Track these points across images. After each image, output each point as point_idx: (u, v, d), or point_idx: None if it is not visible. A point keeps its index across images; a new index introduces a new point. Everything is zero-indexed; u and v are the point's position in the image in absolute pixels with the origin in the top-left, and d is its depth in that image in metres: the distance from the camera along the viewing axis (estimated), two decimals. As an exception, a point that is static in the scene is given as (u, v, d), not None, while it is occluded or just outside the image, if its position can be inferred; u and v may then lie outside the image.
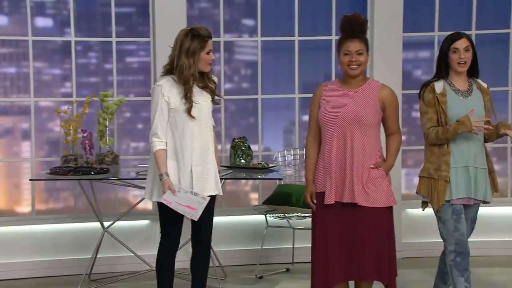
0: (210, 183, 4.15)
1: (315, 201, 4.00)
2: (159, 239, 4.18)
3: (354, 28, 3.90)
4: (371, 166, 3.90)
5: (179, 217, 4.12)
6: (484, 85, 4.23)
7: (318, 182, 3.98)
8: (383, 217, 3.90)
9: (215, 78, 4.23)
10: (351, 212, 3.88)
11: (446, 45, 4.13)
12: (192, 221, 4.15)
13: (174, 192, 4.02)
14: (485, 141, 4.20)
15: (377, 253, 3.88)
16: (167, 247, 4.18)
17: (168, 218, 4.13)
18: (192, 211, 4.03)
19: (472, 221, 4.24)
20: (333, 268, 3.89)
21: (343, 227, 3.89)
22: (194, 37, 4.05)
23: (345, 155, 3.88)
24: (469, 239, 4.20)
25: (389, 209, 3.94)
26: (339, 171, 3.90)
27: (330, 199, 3.90)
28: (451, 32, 4.20)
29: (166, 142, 4.09)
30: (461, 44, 4.09)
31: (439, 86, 4.14)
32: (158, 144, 4.08)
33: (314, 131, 4.03)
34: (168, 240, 4.18)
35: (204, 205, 4.03)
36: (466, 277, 4.17)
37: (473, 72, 4.21)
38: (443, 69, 4.16)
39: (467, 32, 4.24)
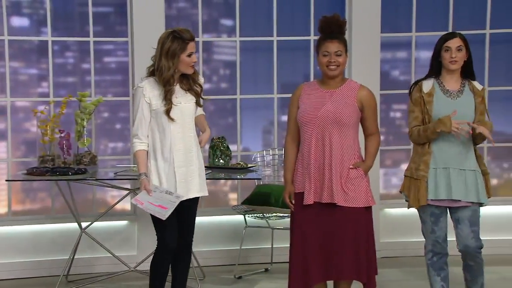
0: (194, 185, 4.14)
1: (293, 201, 4.01)
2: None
3: (333, 29, 3.91)
4: (350, 167, 3.91)
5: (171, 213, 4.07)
6: (479, 87, 4.15)
7: (297, 182, 3.98)
8: (362, 217, 3.91)
9: (201, 81, 4.22)
10: (330, 212, 3.88)
11: (440, 44, 4.11)
12: (178, 221, 4.13)
13: (150, 192, 4.02)
14: (474, 143, 4.12)
15: (356, 253, 3.89)
16: (164, 246, 4.13)
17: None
18: (163, 210, 4.01)
19: (472, 223, 4.07)
20: (312, 268, 3.90)
21: (322, 227, 3.90)
22: (174, 39, 4.05)
23: (323, 155, 3.89)
24: (449, 238, 4.17)
25: (368, 209, 3.95)
26: (318, 171, 3.90)
27: (309, 200, 3.90)
28: (446, 32, 4.20)
29: (148, 143, 4.09)
30: (454, 43, 4.07)
31: (427, 85, 4.12)
32: (138, 144, 4.08)
33: (293, 131, 4.03)
34: (164, 239, 4.12)
35: (176, 204, 4.02)
36: (443, 276, 4.19)
37: (468, 74, 4.16)
38: (435, 68, 4.14)
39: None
